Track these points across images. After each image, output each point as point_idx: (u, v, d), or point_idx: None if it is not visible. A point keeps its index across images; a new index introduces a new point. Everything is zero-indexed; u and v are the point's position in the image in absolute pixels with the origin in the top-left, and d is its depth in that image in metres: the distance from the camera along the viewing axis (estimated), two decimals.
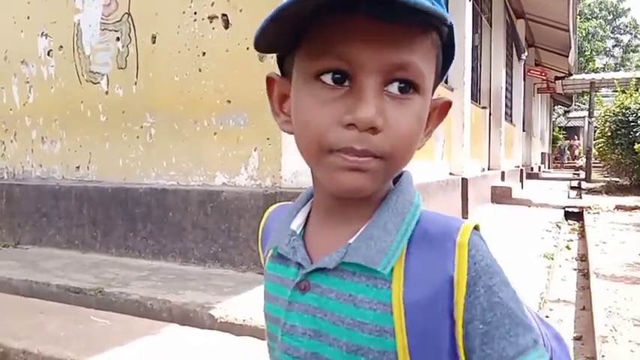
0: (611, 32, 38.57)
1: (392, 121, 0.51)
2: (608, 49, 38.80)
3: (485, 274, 0.52)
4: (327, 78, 0.52)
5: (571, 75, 14.10)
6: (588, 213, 6.64)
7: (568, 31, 10.54)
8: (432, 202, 4.17)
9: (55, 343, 2.12)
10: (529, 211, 6.81)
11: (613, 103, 10.58)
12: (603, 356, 2.13)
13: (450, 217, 0.58)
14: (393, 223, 0.56)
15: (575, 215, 6.80)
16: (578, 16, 22.61)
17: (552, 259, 3.80)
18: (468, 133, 6.20)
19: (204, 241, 3.27)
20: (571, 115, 30.93)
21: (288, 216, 0.63)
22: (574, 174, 16.43)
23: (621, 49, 39.70)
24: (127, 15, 3.78)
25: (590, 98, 13.91)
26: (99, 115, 3.96)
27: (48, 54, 4.25)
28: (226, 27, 3.34)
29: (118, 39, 3.84)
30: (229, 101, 3.36)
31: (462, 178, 5.82)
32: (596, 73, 23.77)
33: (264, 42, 0.53)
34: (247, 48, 3.18)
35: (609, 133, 9.75)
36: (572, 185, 11.52)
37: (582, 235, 5.53)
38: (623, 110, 9.66)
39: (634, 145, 8.85)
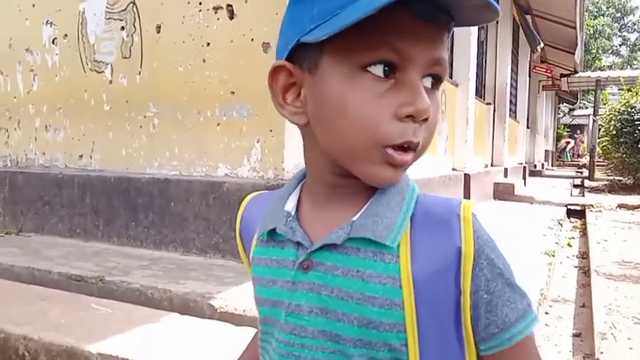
0: (619, 30, 38.32)
1: (431, 113, 0.56)
2: (615, 48, 38.57)
3: (487, 247, 0.57)
4: (378, 70, 0.53)
5: (577, 72, 14.03)
6: (590, 211, 6.63)
7: (575, 28, 10.48)
8: None
9: (55, 330, 2.13)
10: (531, 208, 6.80)
11: (618, 101, 10.53)
12: (602, 353, 2.14)
13: (446, 197, 0.61)
14: (395, 201, 0.58)
15: (577, 213, 6.79)
16: (586, 14, 22.46)
17: (553, 256, 3.80)
18: (471, 129, 6.18)
19: (205, 232, 3.27)
20: (576, 113, 30.80)
21: (279, 200, 0.64)
22: (577, 172, 16.39)
23: (628, 48, 39.45)
24: (132, 4, 3.77)
25: (595, 96, 13.85)
26: (103, 105, 3.96)
27: (52, 42, 4.24)
28: (231, 18, 3.33)
29: (122, 28, 3.83)
30: (233, 92, 3.35)
31: (465, 174, 5.81)
32: (602, 71, 23.60)
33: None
34: (252, 39, 3.17)
35: (614, 132, 9.71)
36: (575, 183, 11.49)
37: (584, 232, 5.53)
38: (629, 109, 9.61)
39: (639, 144, 8.81)
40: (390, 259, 0.56)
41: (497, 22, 9.03)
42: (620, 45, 39.43)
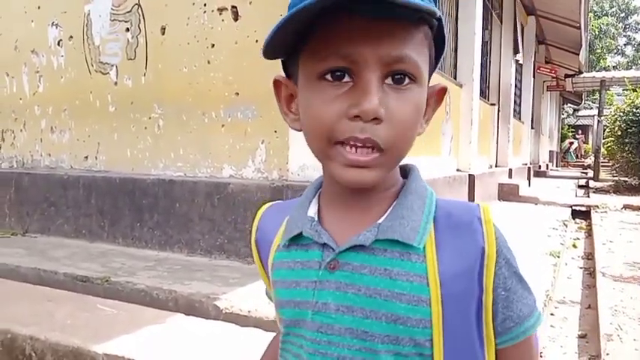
0: (623, 30, 38.16)
1: (393, 111, 0.56)
2: (620, 47, 38.41)
3: (505, 247, 0.62)
4: (330, 77, 0.57)
5: (581, 73, 13.96)
6: (595, 212, 6.60)
7: (579, 28, 10.44)
8: None
9: (62, 331, 2.14)
10: (536, 208, 6.78)
11: (624, 101, 10.48)
12: (608, 354, 2.13)
13: (463, 201, 0.66)
14: (417, 204, 0.62)
15: (582, 214, 6.76)
16: (590, 14, 22.39)
17: (558, 257, 3.78)
18: (476, 130, 6.17)
19: (210, 233, 3.28)
20: (580, 113, 30.68)
21: (301, 206, 0.68)
22: (582, 172, 16.32)
23: (633, 48, 39.29)
24: (136, 6, 3.79)
25: (600, 97, 13.80)
26: (108, 106, 3.98)
27: (58, 44, 4.26)
28: (235, 19, 3.33)
29: (127, 30, 3.85)
30: (237, 94, 3.36)
31: (469, 175, 5.80)
32: (607, 71, 23.51)
33: (272, 51, 0.59)
34: (256, 40, 3.18)
35: (619, 132, 9.67)
36: (580, 184, 11.45)
37: (589, 233, 5.50)
38: (634, 109, 9.57)
39: None
40: (416, 259, 0.60)
41: (501, 23, 9.02)
42: (624, 45, 39.28)
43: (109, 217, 3.74)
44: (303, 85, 0.60)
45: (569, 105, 27.46)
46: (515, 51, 9.71)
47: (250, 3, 3.28)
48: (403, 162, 0.68)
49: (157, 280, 2.72)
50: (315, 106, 0.58)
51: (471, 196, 5.70)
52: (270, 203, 0.78)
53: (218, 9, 3.40)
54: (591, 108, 28.31)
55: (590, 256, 4.42)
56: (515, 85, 10.30)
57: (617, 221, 5.85)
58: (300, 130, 0.64)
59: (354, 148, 0.57)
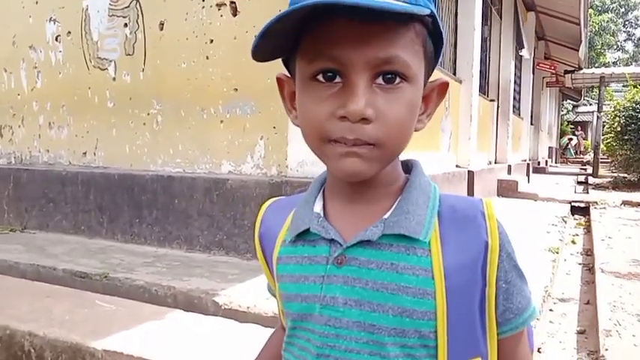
0: (623, 26, 38.10)
1: (383, 110, 0.57)
2: (619, 43, 38.36)
3: (506, 242, 0.63)
4: (322, 77, 0.58)
5: (581, 69, 13.95)
6: (595, 208, 6.61)
7: (579, 24, 10.42)
8: None
9: (60, 327, 2.14)
10: (535, 205, 6.79)
11: (624, 97, 10.47)
12: (607, 350, 2.13)
13: (466, 196, 0.68)
14: (422, 199, 0.64)
15: (581, 210, 6.77)
16: (590, 10, 22.33)
17: (557, 253, 3.79)
18: (475, 126, 6.16)
19: (209, 229, 3.28)
20: (580, 109, 30.67)
21: (306, 203, 0.69)
22: (581, 169, 16.33)
23: (633, 43, 39.25)
24: (135, 1, 3.77)
25: (599, 93, 13.79)
26: (106, 102, 3.97)
27: (56, 39, 4.25)
28: (234, 14, 3.32)
29: (125, 25, 3.83)
30: (236, 89, 3.35)
31: (469, 171, 5.79)
32: (606, 67, 23.48)
33: (261, 55, 0.61)
34: (255, 36, 3.16)
35: (618, 129, 9.66)
36: (579, 180, 11.46)
37: (588, 229, 5.51)
38: (634, 105, 9.56)
39: None
40: (422, 253, 0.61)
41: (500, 18, 9.00)
42: (624, 40, 39.23)
43: (107, 214, 3.73)
44: (298, 85, 0.62)
45: (568, 101, 27.46)
46: (520, 46, 9.69)
47: None
48: (406, 158, 0.69)
49: (155, 276, 2.71)
50: (308, 106, 0.60)
51: (470, 193, 5.70)
52: (273, 199, 0.79)
53: (217, 4, 3.38)
54: (591, 104, 28.30)
55: (589, 252, 4.42)
56: (515, 82, 10.29)
57: (616, 217, 5.85)
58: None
59: (345, 144, 0.58)
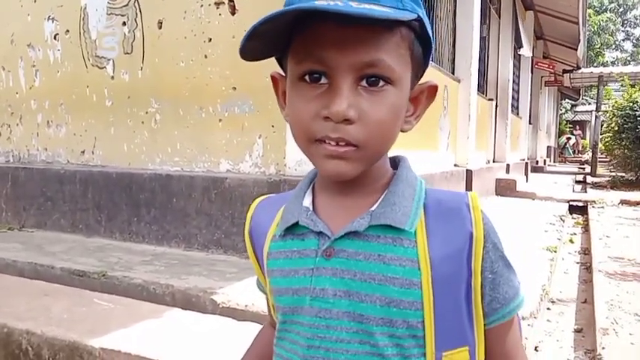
0: (622, 25, 38.12)
1: (366, 112, 0.59)
2: (618, 43, 38.38)
3: (492, 232, 0.65)
4: (309, 78, 0.60)
5: (579, 68, 13.97)
6: (593, 207, 6.62)
7: (578, 23, 10.43)
8: None
9: (58, 325, 2.14)
10: (533, 204, 6.80)
11: (622, 97, 10.49)
12: (603, 348, 2.14)
13: (451, 190, 0.69)
14: (408, 192, 0.66)
15: (579, 209, 6.78)
16: (589, 10, 22.34)
17: (555, 252, 3.79)
18: (473, 125, 6.17)
19: (207, 227, 3.28)
20: (578, 109, 30.69)
21: (296, 198, 0.70)
22: (579, 168, 16.35)
23: (632, 43, 39.27)
24: (133, 0, 3.77)
25: (598, 92, 13.80)
26: (104, 100, 3.96)
27: (54, 38, 4.24)
28: (233, 13, 3.32)
29: (124, 24, 3.83)
30: (235, 88, 3.35)
31: (467, 170, 5.80)
32: (605, 67, 23.49)
33: (251, 54, 0.63)
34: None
35: (616, 128, 9.68)
36: (578, 179, 11.47)
37: (586, 229, 5.52)
38: (631, 104, 9.57)
39: None
40: (408, 244, 0.63)
41: (499, 17, 9.00)
42: (623, 40, 39.25)
43: (105, 212, 3.73)
44: (288, 84, 0.64)
45: (567, 100, 27.48)
46: (519, 45, 9.70)
47: None
48: (393, 154, 0.71)
49: (153, 275, 2.71)
50: (296, 106, 0.62)
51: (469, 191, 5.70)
52: (264, 196, 0.80)
53: (215, 3, 3.38)
54: (589, 104, 28.32)
55: (587, 251, 4.43)
56: (513, 81, 10.30)
57: (614, 216, 5.87)
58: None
59: (330, 145, 0.60)
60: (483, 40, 7.97)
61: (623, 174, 10.37)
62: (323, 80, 0.59)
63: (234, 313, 2.27)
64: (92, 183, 3.81)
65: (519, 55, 10.25)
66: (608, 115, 10.51)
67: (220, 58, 3.39)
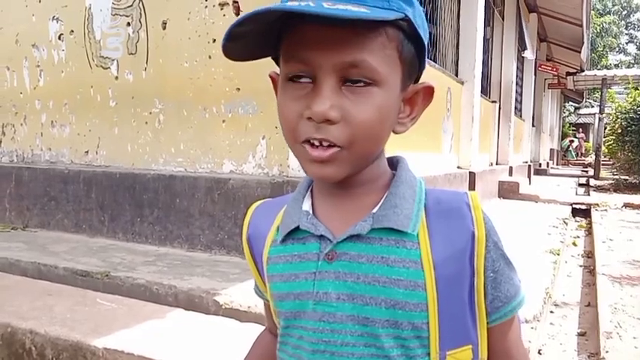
0: (625, 28, 38.05)
1: (349, 112, 0.58)
2: (622, 46, 38.31)
3: (492, 231, 0.65)
4: (295, 78, 0.60)
5: (583, 71, 13.94)
6: (596, 210, 6.60)
7: (581, 26, 10.41)
8: None
9: (62, 325, 2.14)
10: (536, 206, 6.78)
11: (625, 99, 10.47)
12: (607, 352, 2.13)
13: (451, 189, 0.70)
14: (408, 193, 0.65)
15: (582, 212, 6.76)
16: (592, 12, 22.30)
17: (558, 255, 3.78)
18: (477, 127, 6.16)
19: (210, 228, 3.28)
20: (581, 111, 30.64)
21: (295, 202, 0.70)
22: (582, 171, 16.31)
23: (635, 46, 39.19)
24: (138, 0, 3.77)
25: (601, 95, 13.77)
26: (108, 100, 3.97)
27: (59, 38, 4.25)
28: (237, 14, 3.32)
29: (128, 24, 3.84)
30: (238, 89, 3.35)
31: (470, 172, 5.79)
32: (608, 69, 23.44)
33: (236, 54, 0.64)
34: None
35: (620, 131, 9.66)
36: (581, 182, 11.45)
37: (589, 231, 5.51)
38: (635, 107, 9.55)
39: None
40: (411, 246, 0.63)
41: (502, 20, 8.99)
42: (626, 43, 39.17)
43: (109, 212, 3.74)
44: (279, 84, 0.64)
45: (570, 103, 27.44)
46: (522, 48, 9.69)
47: None
48: (391, 154, 0.71)
49: (156, 275, 2.72)
50: (283, 106, 0.62)
51: None
52: (261, 201, 0.80)
53: (219, 4, 3.39)
54: (592, 106, 28.25)
55: (590, 255, 4.42)
56: (517, 83, 10.28)
57: (617, 220, 5.85)
58: None
59: (314, 147, 0.59)
60: (487, 42, 7.96)
61: (627, 177, 10.34)
62: (308, 80, 0.59)
63: (237, 314, 2.27)
64: (96, 183, 3.81)
65: (523, 57, 10.23)
66: (611, 117, 10.49)
67: (224, 59, 3.31)
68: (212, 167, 3.49)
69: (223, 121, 3.43)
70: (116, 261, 3.05)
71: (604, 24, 32.96)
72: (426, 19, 0.68)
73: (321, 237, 0.65)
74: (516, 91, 10.19)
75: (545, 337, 2.61)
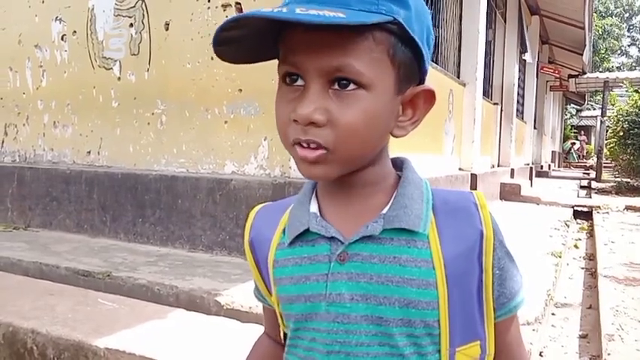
0: (627, 31, 38.03)
1: (335, 115, 0.58)
2: (624, 48, 38.28)
3: (498, 230, 0.66)
4: (288, 80, 0.61)
5: (585, 73, 13.93)
6: (597, 212, 6.59)
7: (583, 28, 10.41)
8: None
9: (63, 325, 2.15)
10: (538, 209, 6.78)
11: (627, 102, 10.46)
12: (609, 354, 2.13)
13: (455, 189, 0.72)
14: (416, 194, 0.66)
15: (584, 214, 6.75)
16: (594, 14, 22.30)
17: (560, 257, 3.78)
18: (478, 129, 6.16)
19: (212, 229, 3.28)
20: (583, 114, 30.62)
21: (301, 205, 0.70)
22: (584, 173, 16.30)
23: (637, 48, 39.15)
24: (140, 1, 3.78)
25: (603, 97, 13.77)
26: (111, 101, 3.98)
27: (62, 39, 4.27)
28: None
29: (131, 25, 3.85)
30: (241, 90, 3.36)
31: (472, 174, 5.79)
32: (610, 72, 23.42)
33: (230, 57, 0.64)
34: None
35: (621, 133, 9.65)
36: (582, 185, 11.43)
37: (591, 234, 5.50)
38: (637, 110, 9.54)
39: None
40: (422, 245, 0.64)
41: (505, 22, 9.00)
42: (629, 45, 39.15)
43: (110, 213, 3.74)
44: (278, 86, 0.65)
45: (572, 105, 27.44)
46: (524, 50, 9.69)
47: None
48: (395, 155, 0.71)
49: (158, 276, 2.72)
50: (276, 108, 0.63)
51: None
52: (261, 205, 0.79)
53: (222, 5, 3.39)
54: (594, 109, 28.24)
55: (591, 257, 4.42)
56: (519, 85, 10.28)
57: (618, 222, 5.84)
58: None
59: (302, 147, 0.60)
60: (489, 45, 7.97)
61: (629, 180, 10.32)
62: (299, 82, 0.60)
63: (239, 315, 2.27)
64: (98, 183, 3.82)
65: (524, 59, 10.23)
66: (613, 120, 10.48)
67: None
68: (214, 168, 3.50)
69: (225, 122, 3.43)
70: (118, 261, 3.06)
71: (606, 26, 32.93)
72: None
73: (332, 238, 0.65)
74: (518, 93, 10.19)
75: (546, 339, 2.60)
